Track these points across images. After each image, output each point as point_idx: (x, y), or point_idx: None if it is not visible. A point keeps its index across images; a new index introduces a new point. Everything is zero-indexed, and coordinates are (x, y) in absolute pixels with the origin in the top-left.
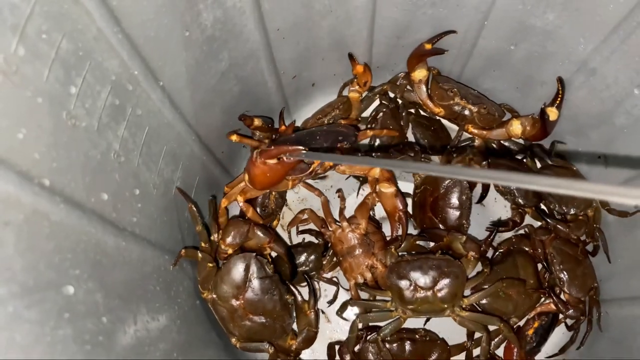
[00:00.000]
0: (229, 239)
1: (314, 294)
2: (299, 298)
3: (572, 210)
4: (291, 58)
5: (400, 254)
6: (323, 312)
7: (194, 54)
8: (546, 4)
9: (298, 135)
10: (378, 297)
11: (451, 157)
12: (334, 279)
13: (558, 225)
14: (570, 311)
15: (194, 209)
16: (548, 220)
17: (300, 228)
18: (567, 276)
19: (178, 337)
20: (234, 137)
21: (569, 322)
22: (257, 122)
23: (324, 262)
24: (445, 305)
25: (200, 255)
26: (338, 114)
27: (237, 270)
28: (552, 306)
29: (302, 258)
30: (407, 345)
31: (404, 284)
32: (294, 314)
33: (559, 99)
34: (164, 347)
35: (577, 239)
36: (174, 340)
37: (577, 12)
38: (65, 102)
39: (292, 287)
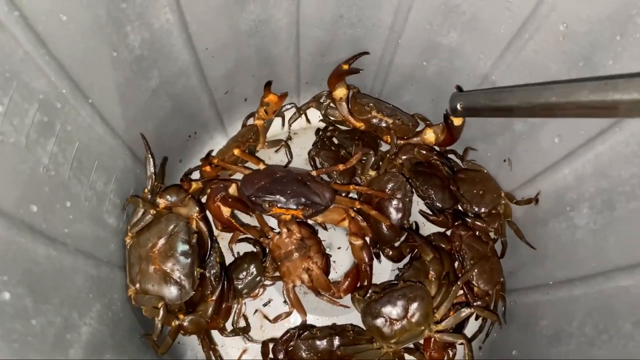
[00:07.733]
0: (167, 197)
1: (223, 286)
2: (213, 284)
3: (482, 208)
4: (222, 75)
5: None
6: (256, 312)
7: (123, 72)
8: (449, 24)
9: (272, 179)
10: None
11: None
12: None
13: (476, 222)
14: (478, 302)
15: (151, 159)
16: (466, 218)
17: (239, 237)
18: (476, 270)
19: (111, 341)
20: None
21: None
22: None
23: (267, 265)
24: (423, 327)
25: (141, 203)
26: (252, 143)
27: (167, 225)
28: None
29: (245, 269)
30: (336, 340)
31: (379, 322)
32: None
33: None
34: (96, 350)
35: (487, 237)
36: (106, 343)
37: (475, 31)
38: None
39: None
